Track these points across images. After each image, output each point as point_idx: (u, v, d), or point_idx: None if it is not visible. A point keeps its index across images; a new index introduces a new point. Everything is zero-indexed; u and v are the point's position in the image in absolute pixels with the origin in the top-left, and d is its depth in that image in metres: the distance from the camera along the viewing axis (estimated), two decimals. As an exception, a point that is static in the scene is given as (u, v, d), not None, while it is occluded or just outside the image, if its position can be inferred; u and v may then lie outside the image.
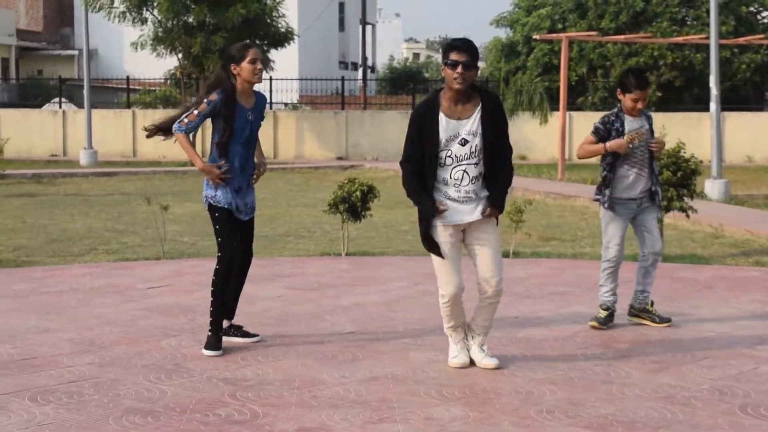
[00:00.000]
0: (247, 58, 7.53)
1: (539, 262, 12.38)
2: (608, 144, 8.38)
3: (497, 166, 7.06)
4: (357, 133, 37.34)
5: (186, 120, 7.64)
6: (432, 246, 7.00)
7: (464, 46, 6.95)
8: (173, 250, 13.41)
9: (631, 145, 8.39)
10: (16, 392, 6.48)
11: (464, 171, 7.00)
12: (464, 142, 6.97)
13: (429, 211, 6.96)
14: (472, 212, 7.04)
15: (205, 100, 7.59)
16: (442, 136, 6.96)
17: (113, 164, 33.39)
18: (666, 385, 6.75)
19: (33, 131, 37.67)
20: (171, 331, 8.25)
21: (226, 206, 7.60)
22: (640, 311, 8.67)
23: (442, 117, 6.99)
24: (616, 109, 8.61)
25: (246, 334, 7.93)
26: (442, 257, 7.00)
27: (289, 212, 18.98)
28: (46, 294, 9.97)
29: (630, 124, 8.49)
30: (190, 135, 7.86)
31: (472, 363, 7.20)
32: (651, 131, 8.63)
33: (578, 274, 11.33)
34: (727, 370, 7.15)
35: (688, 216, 13.04)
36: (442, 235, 7.02)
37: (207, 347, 7.54)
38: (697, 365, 7.29)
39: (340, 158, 36.67)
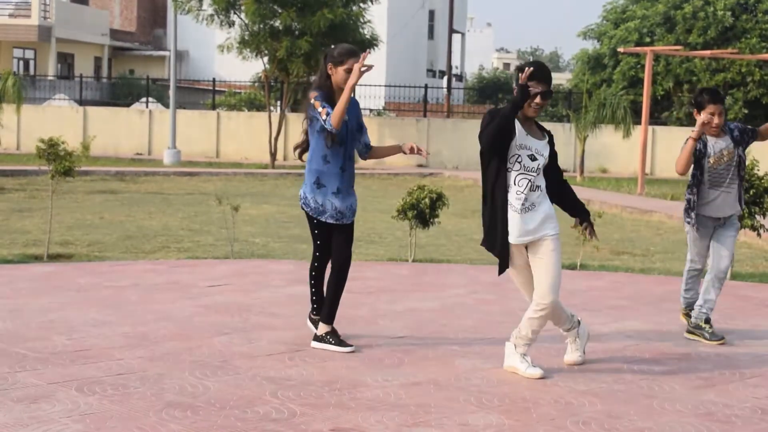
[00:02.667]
0: (345, 66, 7.64)
1: (602, 275, 12.31)
2: (692, 133, 8.40)
3: (560, 187, 7.42)
4: (438, 141, 37.34)
5: (323, 111, 7.57)
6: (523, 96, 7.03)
7: (545, 77, 7.11)
8: (243, 250, 13.56)
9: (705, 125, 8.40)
10: (64, 382, 6.62)
11: (529, 180, 7.11)
12: (534, 158, 7.13)
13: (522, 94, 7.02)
14: (534, 226, 7.13)
15: (313, 99, 7.66)
16: (517, 138, 7.07)
17: (195, 164, 33.80)
18: (708, 402, 6.68)
19: (120, 129, 38.31)
20: (224, 329, 8.35)
21: (314, 212, 7.78)
22: (695, 327, 8.59)
23: (517, 124, 7.10)
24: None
25: (340, 343, 7.80)
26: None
27: (364, 217, 19.02)
28: (109, 288, 10.14)
29: (713, 145, 8.49)
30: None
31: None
32: (743, 130, 8.60)
33: (638, 288, 11.25)
34: (774, 389, 7.07)
35: (759, 234, 12.87)
36: (516, 257, 7.22)
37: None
38: (744, 384, 7.20)
39: (420, 165, 36.72)
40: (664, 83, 41.31)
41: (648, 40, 41.83)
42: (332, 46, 7.96)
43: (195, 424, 5.85)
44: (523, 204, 7.10)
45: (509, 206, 7.10)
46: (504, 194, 7.09)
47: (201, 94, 46.98)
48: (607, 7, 46.01)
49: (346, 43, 34.04)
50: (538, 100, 7.04)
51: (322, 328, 7.86)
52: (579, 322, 7.61)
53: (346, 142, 7.78)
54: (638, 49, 33.33)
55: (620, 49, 35.76)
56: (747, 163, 11.99)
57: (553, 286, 7.09)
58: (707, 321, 8.56)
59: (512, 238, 7.11)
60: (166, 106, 40.33)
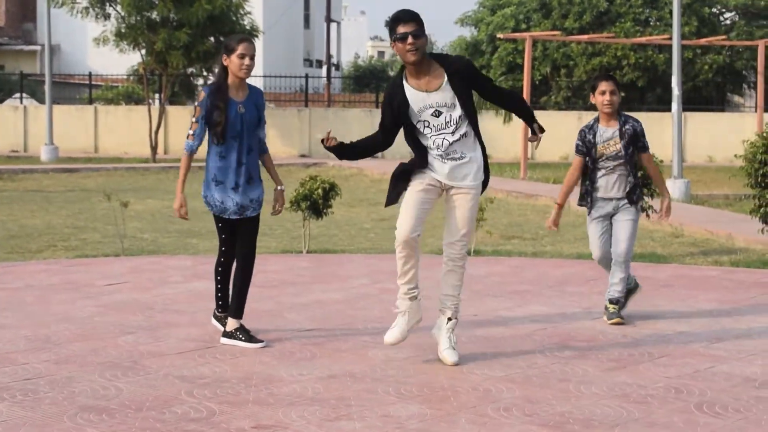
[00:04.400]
0: (237, 52, 7.53)
1: (500, 260, 12.40)
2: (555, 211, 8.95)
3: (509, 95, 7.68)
4: (320, 130, 37.25)
5: (191, 132, 7.66)
6: (397, 185, 7.20)
7: (407, 16, 6.99)
8: (133, 246, 13.35)
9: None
10: (-31, 389, 6.44)
11: (443, 138, 7.08)
12: (438, 114, 7.05)
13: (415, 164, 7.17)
14: (453, 175, 7.13)
15: (197, 103, 7.69)
16: (414, 107, 7.04)
17: (74, 160, 33.19)
18: (622, 383, 6.76)
19: (-7, 127, 37.43)
20: (128, 329, 8.20)
21: (216, 210, 7.72)
22: (604, 310, 8.71)
23: (409, 89, 7.06)
24: (592, 121, 8.76)
25: (251, 339, 7.68)
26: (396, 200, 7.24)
27: (251, 209, 18.89)
28: (2, 290, 9.88)
29: (602, 134, 8.63)
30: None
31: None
32: (635, 135, 8.64)
33: (538, 272, 11.36)
34: (683, 368, 7.17)
35: (648, 215, 13.09)
36: (417, 184, 7.16)
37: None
38: (653, 363, 7.31)
39: (303, 156, 36.63)
40: (541, 68, 41.82)
41: (524, 26, 42.27)
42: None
43: (113, 427, 5.72)
44: (449, 156, 7.12)
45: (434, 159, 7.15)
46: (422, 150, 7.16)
47: (76, 89, 46.11)
48: (484, -6, 46.44)
49: (226, 33, 33.53)
50: (410, 40, 6.90)
51: (231, 324, 7.76)
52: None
53: (242, 136, 7.64)
54: (517, 35, 33.70)
55: (499, 35, 36.15)
56: None
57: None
58: (615, 302, 8.64)
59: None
60: (41, 101, 39.51)
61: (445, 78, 7.03)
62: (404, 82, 7.09)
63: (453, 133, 7.07)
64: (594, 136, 8.65)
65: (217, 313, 8.05)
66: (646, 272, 11.34)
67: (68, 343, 7.68)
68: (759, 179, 11.81)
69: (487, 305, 9.36)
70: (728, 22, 45.11)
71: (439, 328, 7.34)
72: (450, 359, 7.17)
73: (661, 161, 12.98)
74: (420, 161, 7.15)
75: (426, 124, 7.09)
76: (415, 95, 7.05)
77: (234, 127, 7.57)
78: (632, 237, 8.70)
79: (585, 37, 35.65)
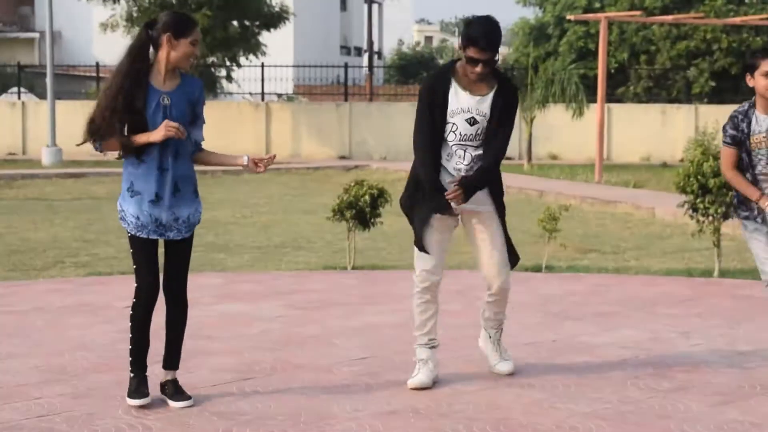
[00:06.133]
0: (190, 38, 6.83)
1: (578, 277, 12.37)
2: (763, 198, 7.72)
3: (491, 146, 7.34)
4: (362, 129, 37.35)
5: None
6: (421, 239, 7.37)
7: (485, 41, 7.04)
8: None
9: None
10: (-24, 428, 6.49)
11: (465, 150, 7.27)
12: (473, 122, 7.22)
13: (436, 206, 7.25)
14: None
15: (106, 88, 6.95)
16: (452, 106, 7.19)
17: (81, 164, 33.31)
18: (732, 420, 6.73)
19: (-12, 126, 37.75)
20: (154, 357, 8.11)
21: (131, 228, 6.89)
22: None
23: (454, 84, 7.22)
24: (746, 105, 8.00)
25: (178, 393, 7.08)
26: (426, 251, 7.39)
27: (286, 219, 19.00)
28: (8, 314, 9.97)
29: (760, 123, 8.00)
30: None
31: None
32: None
33: (623, 291, 11.32)
34: (802, 403, 7.14)
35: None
36: (436, 223, 7.33)
37: (128, 394, 6.98)
38: (766, 397, 7.26)
39: (342, 157, 36.71)
40: (618, 55, 41.74)
41: (598, 5, 42.21)
42: (162, 14, 7.05)
43: (142, 471, 5.75)
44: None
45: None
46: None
47: (81, 82, 46.39)
48: (550, -31, 46.38)
49: (251, 17, 33.57)
50: (479, 68, 7.06)
51: (163, 375, 7.22)
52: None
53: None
54: (590, 16, 33.63)
55: (569, 17, 36.01)
56: None
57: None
58: None
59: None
60: (41, 96, 39.85)
61: (495, 88, 7.23)
62: (452, 76, 7.24)
63: (477, 147, 7.26)
64: (749, 125, 8.13)
65: (131, 375, 7.13)
66: (748, 291, 11.25)
67: (87, 374, 7.73)
68: None
69: (567, 330, 9.34)
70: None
71: (485, 339, 7.67)
72: (505, 370, 7.49)
73: None
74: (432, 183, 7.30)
75: (453, 128, 7.23)
76: (457, 94, 7.21)
77: (154, 121, 6.79)
78: None
79: (669, 17, 35.43)
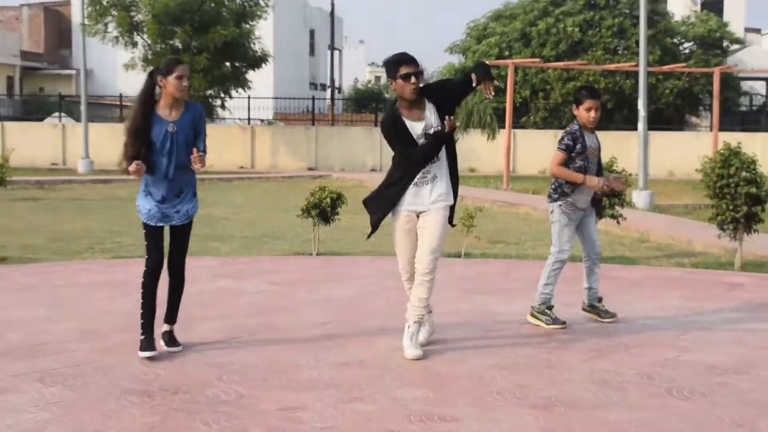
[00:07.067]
0: (174, 74, 6.95)
1: (488, 262, 12.44)
2: (587, 178, 8.16)
3: None
4: (326, 147, 37.29)
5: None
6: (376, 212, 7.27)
7: (410, 58, 7.04)
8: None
9: (605, 188, 8.32)
10: (27, 374, 6.47)
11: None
12: (426, 137, 7.08)
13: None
14: (425, 199, 7.16)
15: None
16: (417, 134, 7.07)
17: (108, 172, 32.99)
18: (601, 370, 6.82)
19: (35, 142, 37.33)
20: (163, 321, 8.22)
21: (143, 217, 7.13)
22: (590, 307, 8.69)
23: (406, 121, 7.09)
24: (576, 125, 8.31)
25: (173, 342, 7.32)
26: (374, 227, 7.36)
27: (266, 217, 18.96)
28: (51, 288, 9.93)
29: (590, 140, 8.31)
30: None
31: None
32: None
33: (523, 273, 11.37)
34: (654, 357, 7.23)
35: (618, 222, 13.17)
36: (403, 222, 7.21)
37: (141, 349, 7.01)
38: (628, 353, 7.36)
39: (310, 169, 36.60)
40: (522, 92, 41.82)
41: (507, 53, 42.28)
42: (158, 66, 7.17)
43: (153, 408, 5.78)
44: (424, 177, 7.15)
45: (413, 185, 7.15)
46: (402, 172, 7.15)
47: (107, 109, 46.09)
48: (470, 25, 46.31)
49: (240, 59, 33.40)
50: (413, 80, 6.97)
51: (164, 327, 7.40)
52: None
53: (172, 153, 6.98)
54: (501, 61, 33.67)
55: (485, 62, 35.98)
56: (607, 160, 12.24)
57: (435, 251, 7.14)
58: (600, 300, 8.66)
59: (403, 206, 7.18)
60: (76, 120, 39.47)
61: (427, 105, 7.11)
62: (401, 115, 7.12)
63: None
64: (583, 141, 8.24)
65: (141, 335, 7.15)
66: (618, 273, 11.42)
67: (111, 334, 7.74)
68: (716, 191, 11.86)
69: (478, 302, 9.41)
70: (687, 51, 45.11)
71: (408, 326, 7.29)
72: (410, 355, 7.10)
73: (630, 174, 13.03)
74: (399, 187, 7.16)
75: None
76: (411, 125, 7.10)
77: (164, 145, 6.96)
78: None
79: (561, 64, 35.68)
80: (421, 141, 7.08)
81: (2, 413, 5.62)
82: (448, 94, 7.24)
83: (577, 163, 8.25)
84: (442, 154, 7.18)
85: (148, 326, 7.13)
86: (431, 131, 7.07)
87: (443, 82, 7.47)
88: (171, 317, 7.40)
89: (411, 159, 7.12)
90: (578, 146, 8.24)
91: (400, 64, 7.00)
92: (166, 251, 7.26)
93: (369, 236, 7.61)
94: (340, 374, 6.61)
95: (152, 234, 7.15)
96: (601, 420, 5.68)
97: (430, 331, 7.53)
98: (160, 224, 7.13)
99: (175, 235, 7.24)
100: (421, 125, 7.08)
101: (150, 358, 6.95)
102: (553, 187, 8.44)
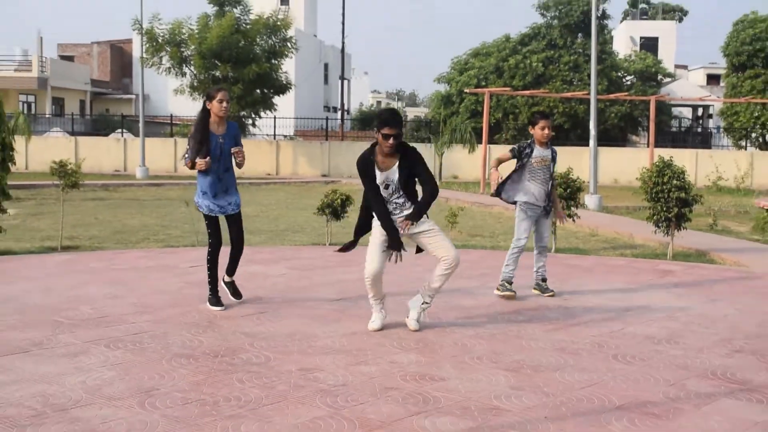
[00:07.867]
0: (216, 98, 7.40)
1: (468, 251, 12.40)
2: (495, 175, 8.26)
3: (423, 190, 6.82)
4: (337, 158, 37.21)
5: (186, 150, 7.57)
6: (392, 243, 6.83)
7: (394, 121, 6.59)
8: (203, 240, 13.25)
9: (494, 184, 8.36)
10: (94, 341, 6.45)
11: (395, 202, 6.85)
12: (387, 187, 6.79)
13: (394, 239, 6.77)
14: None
15: (190, 134, 7.54)
16: (378, 181, 6.77)
17: (160, 177, 33.09)
18: (560, 340, 6.80)
19: (102, 153, 37.26)
20: (205, 299, 8.16)
21: (205, 211, 7.59)
22: (536, 285, 8.74)
23: (376, 166, 6.76)
24: (530, 140, 8.52)
25: (235, 293, 7.99)
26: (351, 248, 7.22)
27: (288, 214, 18.92)
28: (115, 270, 9.88)
29: (537, 151, 8.42)
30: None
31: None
32: (554, 161, 8.61)
33: (496, 261, 11.31)
34: (602, 329, 7.21)
35: (573, 221, 13.12)
36: (378, 235, 6.88)
37: (210, 303, 7.70)
38: (582, 326, 7.34)
39: (324, 175, 36.52)
40: (495, 114, 41.72)
41: (484, 83, 42.19)
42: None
43: (197, 368, 5.75)
44: (397, 213, 6.87)
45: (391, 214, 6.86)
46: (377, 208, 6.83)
47: (160, 126, 45.98)
48: (454, 60, 46.21)
49: (269, 87, 33.50)
50: (390, 142, 6.58)
51: (226, 278, 8.05)
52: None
53: (221, 159, 7.45)
54: (479, 90, 33.54)
55: (466, 90, 36.08)
56: (564, 170, 12.25)
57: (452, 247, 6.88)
58: (545, 279, 8.73)
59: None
60: (135, 135, 39.45)
61: (399, 160, 6.75)
62: (374, 159, 6.77)
63: (398, 198, 6.80)
64: (532, 151, 8.37)
65: (226, 280, 8.01)
66: (573, 261, 11.38)
67: (163, 309, 7.70)
68: (652, 195, 11.82)
69: (459, 284, 9.37)
70: (629, 83, 45.09)
71: (415, 302, 7.08)
72: (411, 327, 7.00)
73: (583, 182, 12.98)
74: (397, 235, 6.79)
75: (384, 193, 6.80)
76: (378, 174, 6.76)
77: (215, 153, 7.43)
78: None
79: (527, 92, 35.60)
80: (381, 187, 6.76)
81: (77, 372, 5.59)
82: (412, 170, 6.78)
83: (516, 170, 8.43)
84: (406, 198, 6.84)
85: (214, 288, 7.73)
86: (397, 222, 6.80)
87: (418, 161, 6.80)
88: (232, 270, 7.97)
89: (372, 208, 6.85)
90: (524, 157, 8.41)
91: (386, 124, 6.60)
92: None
93: (342, 249, 7.27)
94: (349, 342, 6.58)
95: (213, 223, 7.67)
96: (560, 380, 5.65)
97: (383, 316, 7.13)
98: (217, 215, 7.58)
99: (233, 222, 7.70)
100: (384, 175, 6.75)
101: (219, 310, 7.53)
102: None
